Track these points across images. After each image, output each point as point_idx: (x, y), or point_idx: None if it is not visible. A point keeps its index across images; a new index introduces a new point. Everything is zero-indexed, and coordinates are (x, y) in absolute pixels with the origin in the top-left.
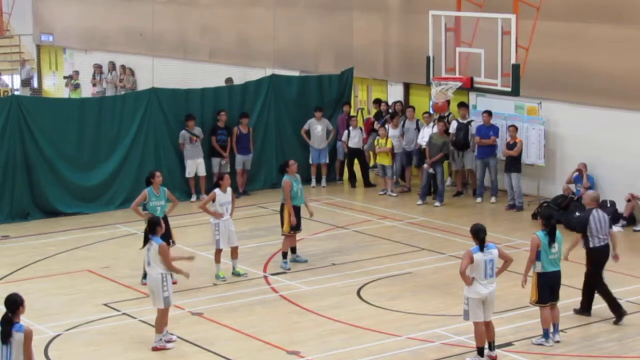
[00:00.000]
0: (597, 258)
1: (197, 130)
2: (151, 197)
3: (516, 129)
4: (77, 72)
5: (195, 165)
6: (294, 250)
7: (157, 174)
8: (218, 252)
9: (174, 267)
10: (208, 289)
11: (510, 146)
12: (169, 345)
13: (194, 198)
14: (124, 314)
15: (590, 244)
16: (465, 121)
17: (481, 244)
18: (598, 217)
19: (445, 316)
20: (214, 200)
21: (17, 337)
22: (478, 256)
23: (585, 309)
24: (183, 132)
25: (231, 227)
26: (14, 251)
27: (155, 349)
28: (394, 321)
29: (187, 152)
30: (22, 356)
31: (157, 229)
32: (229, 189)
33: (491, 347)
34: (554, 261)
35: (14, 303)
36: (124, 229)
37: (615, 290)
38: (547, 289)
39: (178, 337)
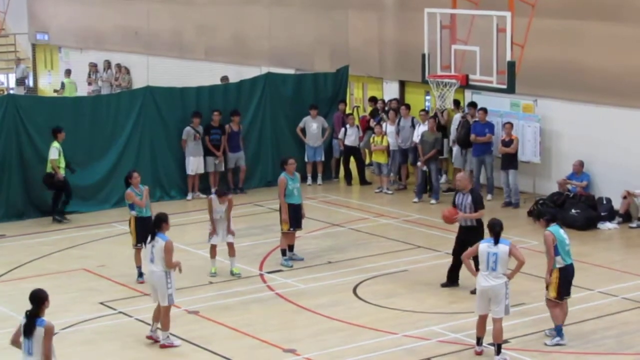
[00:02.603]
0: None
1: (199, 128)
2: (135, 195)
3: (512, 126)
4: (68, 71)
5: (197, 163)
6: (291, 248)
7: (135, 174)
8: (210, 248)
9: (173, 265)
10: (204, 287)
11: (506, 143)
12: (176, 342)
13: (189, 196)
14: (120, 312)
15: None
16: (472, 120)
17: (495, 237)
18: None
19: (441, 314)
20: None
21: (39, 331)
22: (482, 246)
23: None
24: (188, 128)
25: (224, 225)
26: (9, 250)
27: (163, 346)
28: (390, 319)
29: (189, 150)
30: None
31: (162, 225)
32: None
33: (496, 351)
34: (570, 253)
35: (39, 298)
36: (120, 227)
37: (611, 287)
38: (567, 283)
39: (174, 335)
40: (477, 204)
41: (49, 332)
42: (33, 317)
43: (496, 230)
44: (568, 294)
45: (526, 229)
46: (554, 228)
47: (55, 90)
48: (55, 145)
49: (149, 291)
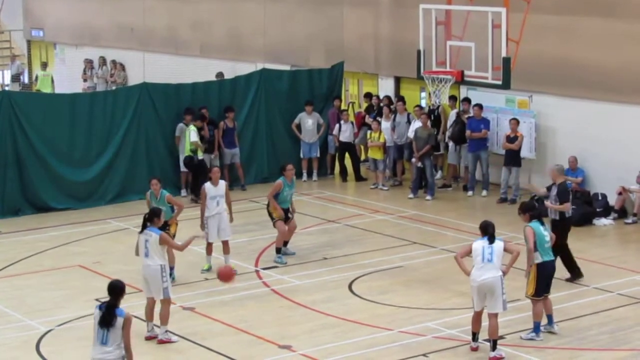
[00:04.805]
0: (569, 225)
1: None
2: (152, 200)
3: (517, 122)
4: (44, 64)
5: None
6: (285, 244)
7: (154, 181)
8: (207, 245)
9: (183, 247)
10: (200, 283)
11: (510, 140)
12: (173, 338)
13: (184, 193)
14: None
15: (567, 214)
16: (466, 116)
17: (489, 238)
18: None
19: (436, 310)
20: (206, 196)
21: (119, 321)
22: (477, 244)
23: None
24: (181, 125)
25: (223, 221)
26: (5, 247)
27: (160, 342)
28: (385, 315)
29: (182, 147)
30: (120, 340)
31: (155, 220)
32: (221, 183)
33: (492, 346)
34: (549, 250)
35: (118, 289)
36: (115, 224)
37: (607, 283)
38: (544, 280)
39: (170, 332)
40: (562, 197)
41: (129, 322)
42: (112, 308)
43: (490, 232)
44: (547, 290)
45: (521, 226)
46: (535, 224)
47: (31, 83)
48: (193, 128)
49: (142, 285)
